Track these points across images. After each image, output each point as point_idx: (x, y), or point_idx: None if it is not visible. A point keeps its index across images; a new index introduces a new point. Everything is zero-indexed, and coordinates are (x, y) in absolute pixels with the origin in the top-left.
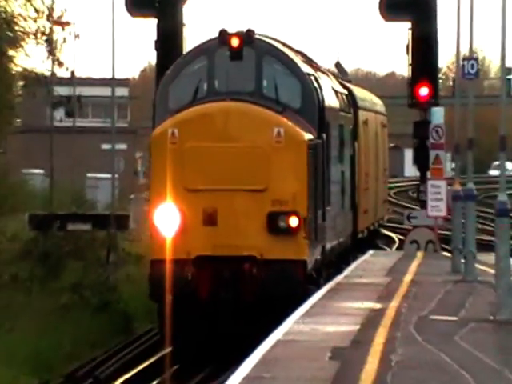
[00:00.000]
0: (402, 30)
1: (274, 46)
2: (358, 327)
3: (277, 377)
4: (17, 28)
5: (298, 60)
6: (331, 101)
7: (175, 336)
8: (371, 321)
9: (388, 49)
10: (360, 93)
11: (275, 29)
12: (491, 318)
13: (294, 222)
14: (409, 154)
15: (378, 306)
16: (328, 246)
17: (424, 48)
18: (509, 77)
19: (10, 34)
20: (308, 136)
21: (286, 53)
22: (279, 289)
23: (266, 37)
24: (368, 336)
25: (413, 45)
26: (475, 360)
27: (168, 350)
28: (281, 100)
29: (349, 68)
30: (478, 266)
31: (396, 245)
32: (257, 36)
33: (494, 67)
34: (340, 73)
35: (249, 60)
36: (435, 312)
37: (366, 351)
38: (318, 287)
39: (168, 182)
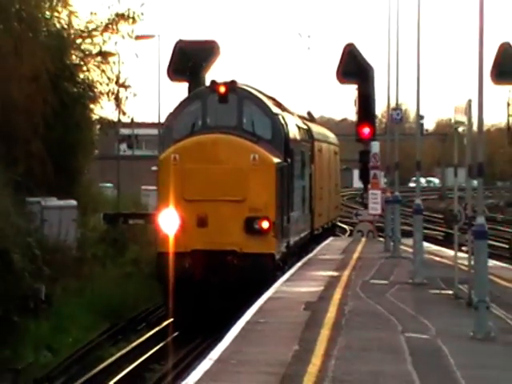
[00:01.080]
0: (351, 89)
1: (251, 93)
2: (322, 288)
3: (269, 321)
4: (95, 90)
5: (270, 103)
6: (294, 134)
7: (176, 310)
8: (331, 284)
9: (341, 101)
10: (316, 128)
11: (264, 81)
12: (410, 281)
13: (265, 224)
14: (356, 173)
15: (336, 273)
16: (291, 241)
17: (365, 102)
18: (421, 122)
19: (91, 94)
20: (276, 160)
21: (260, 98)
22: (254, 275)
23: (246, 86)
24: (329, 294)
25: (358, 100)
26: (399, 309)
27: (170, 320)
28: (256, 133)
29: (316, 114)
30: (401, 247)
31: (348, 233)
32: (239, 85)
33: (412, 114)
34: (310, 119)
35: (232, 103)
36: (373, 277)
37: (328, 304)
38: (283, 273)
39: (171, 193)
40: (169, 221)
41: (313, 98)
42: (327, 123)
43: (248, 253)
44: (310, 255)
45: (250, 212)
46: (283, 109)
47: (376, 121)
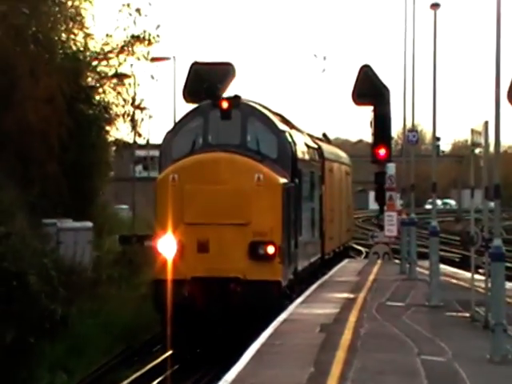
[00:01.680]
0: (367, 111)
1: (256, 109)
2: (338, 310)
3: (284, 343)
4: (111, 112)
5: (276, 120)
6: (303, 152)
7: (175, 341)
8: (347, 306)
9: (357, 123)
10: (327, 148)
11: (280, 102)
12: (426, 303)
13: (270, 250)
14: (372, 194)
15: (351, 295)
16: (300, 267)
17: (381, 123)
18: (438, 143)
19: (107, 115)
20: (283, 180)
21: (265, 114)
22: (258, 303)
23: (251, 101)
24: (344, 316)
25: (374, 121)
26: (415, 332)
27: (169, 352)
28: (261, 151)
29: (331, 136)
30: (417, 269)
31: (363, 255)
32: (242, 100)
33: (428, 135)
34: (326, 140)
35: (236, 119)
36: (389, 300)
37: (343, 326)
38: (291, 301)
39: (169, 216)
40: (167, 246)
41: (328, 120)
42: (343, 145)
43: (252, 280)
44: (326, 277)
45: (254, 236)
46: (291, 126)
47: (392, 142)
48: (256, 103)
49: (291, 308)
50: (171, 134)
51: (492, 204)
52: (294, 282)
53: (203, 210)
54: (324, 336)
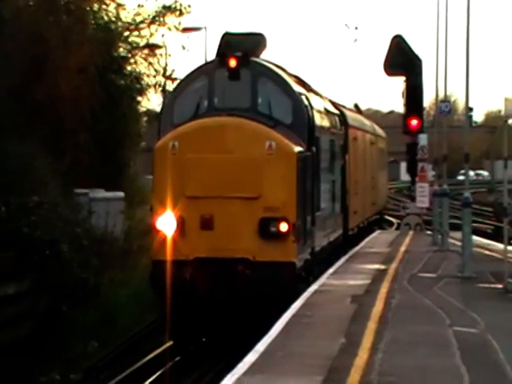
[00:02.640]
0: (399, 82)
1: (268, 68)
2: (369, 281)
3: (315, 315)
4: (142, 82)
5: (290, 80)
6: (321, 118)
7: (176, 330)
8: (378, 277)
9: (389, 93)
10: (351, 114)
11: (311, 73)
12: (458, 275)
13: (283, 227)
14: (403, 165)
15: (383, 267)
16: (317, 247)
17: (413, 94)
18: (470, 114)
19: (138, 86)
20: (298, 149)
21: (279, 74)
22: (270, 288)
23: (262, 60)
24: (376, 287)
25: (406, 91)
26: (448, 303)
27: (169, 343)
28: (274, 116)
29: (363, 107)
30: (450, 240)
31: (395, 226)
32: (253, 58)
33: (460, 105)
34: (357, 111)
35: (245, 80)
36: (421, 271)
37: (375, 297)
38: (308, 285)
39: (169, 189)
40: (166, 222)
41: (360, 91)
42: (374, 115)
43: (263, 261)
44: (357, 248)
45: (265, 212)
46: (308, 89)
47: (423, 113)
48: (268, 62)
49: (322, 279)
50: (172, 96)
51: None
52: (312, 263)
53: (207, 182)
54: (355, 307)
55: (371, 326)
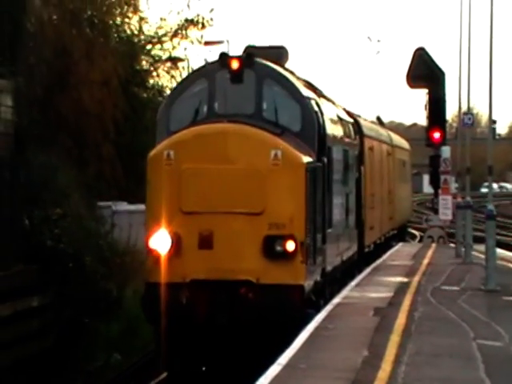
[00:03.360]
0: (422, 94)
1: (274, 69)
2: (392, 294)
3: (338, 327)
4: (165, 95)
5: (299, 84)
6: (334, 126)
7: (172, 360)
8: (401, 289)
9: (412, 106)
10: (366, 123)
11: (334, 86)
12: (482, 287)
13: (290, 246)
14: (426, 178)
15: (406, 279)
16: (329, 267)
17: (436, 106)
18: (494, 126)
19: (161, 99)
20: (307, 159)
21: (286, 76)
22: (276, 313)
23: (267, 61)
24: (399, 300)
25: (429, 104)
26: (471, 316)
27: (164, 375)
28: (280, 123)
29: (385, 119)
30: (473, 253)
31: (418, 239)
32: (257, 59)
33: (484, 118)
34: (380, 123)
35: (249, 83)
36: (444, 284)
37: (398, 310)
38: (318, 310)
39: (163, 204)
40: (160, 240)
41: (382, 103)
42: (397, 128)
43: (268, 284)
44: (379, 261)
45: (270, 229)
46: (319, 95)
47: (446, 125)
48: (274, 64)
49: (345, 291)
50: (169, 101)
51: None
52: (323, 285)
53: (206, 196)
54: (378, 319)
55: (394, 338)
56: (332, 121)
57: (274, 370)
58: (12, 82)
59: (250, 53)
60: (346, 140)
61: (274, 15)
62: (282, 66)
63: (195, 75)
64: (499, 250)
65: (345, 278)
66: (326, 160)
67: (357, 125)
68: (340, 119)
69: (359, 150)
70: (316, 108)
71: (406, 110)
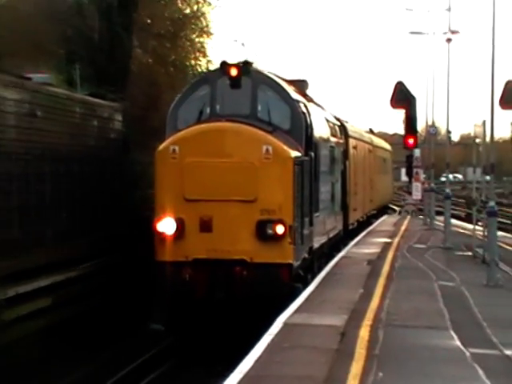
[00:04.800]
0: (400, 112)
1: (268, 77)
2: (379, 250)
3: (342, 273)
4: None
5: (289, 89)
6: (320, 126)
7: (175, 330)
8: (386, 247)
9: (393, 120)
10: (351, 126)
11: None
12: (441, 245)
13: (280, 229)
14: (403, 170)
15: (389, 240)
16: (316, 245)
17: (410, 121)
18: (450, 135)
19: None
20: (294, 153)
21: (278, 82)
22: (267, 289)
23: (263, 69)
24: (384, 254)
25: (405, 120)
26: (434, 265)
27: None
28: (272, 122)
29: (376, 130)
30: (436, 222)
31: (397, 212)
32: (253, 67)
33: (443, 129)
34: (371, 132)
35: (246, 88)
36: (416, 243)
37: (383, 261)
38: (306, 284)
39: (169, 192)
40: (166, 224)
41: (374, 118)
42: (383, 136)
43: (260, 263)
44: (371, 227)
45: (261, 214)
46: (309, 99)
47: (417, 134)
48: (268, 71)
49: (347, 248)
50: (176, 104)
51: (488, 177)
52: (311, 261)
53: (206, 186)
54: (370, 268)
55: (381, 281)
56: (319, 122)
57: (297, 302)
58: (121, 104)
59: (247, 62)
60: (333, 139)
61: (294, 46)
62: (277, 75)
63: (200, 81)
64: (453, 220)
65: (332, 251)
66: (312, 154)
67: (343, 127)
68: (327, 121)
69: (344, 147)
70: (304, 110)
71: (390, 123)
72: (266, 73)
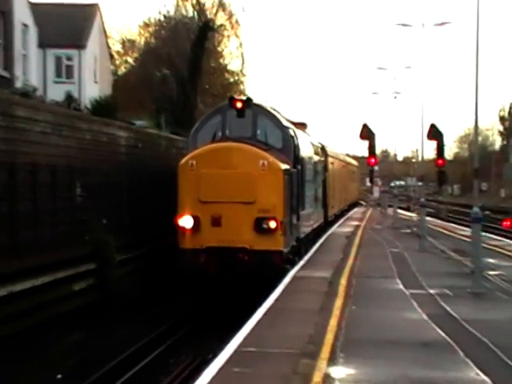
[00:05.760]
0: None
1: (265, 109)
2: (353, 229)
3: (328, 244)
4: None
5: (282, 118)
6: (305, 146)
7: (192, 301)
8: (357, 227)
9: (363, 147)
10: (330, 149)
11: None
12: (391, 225)
13: (273, 224)
14: (367, 179)
15: (358, 223)
16: (302, 235)
17: (372, 148)
18: (396, 156)
19: None
20: (284, 166)
21: (273, 113)
22: (263, 270)
23: (261, 103)
24: (356, 232)
25: (368, 146)
26: (387, 239)
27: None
28: (268, 142)
29: (350, 152)
30: (387, 211)
31: (364, 205)
32: (254, 102)
33: (391, 153)
34: (347, 155)
35: (248, 117)
36: (375, 224)
37: (355, 236)
38: (293, 265)
39: (188, 196)
40: (186, 220)
41: (350, 143)
42: (356, 157)
43: (258, 250)
44: (349, 214)
45: (259, 213)
46: (297, 127)
47: (377, 155)
48: (265, 105)
49: (333, 228)
50: (196, 128)
51: (419, 183)
52: (298, 247)
53: (216, 190)
54: (347, 241)
55: (354, 248)
56: (304, 143)
57: (302, 262)
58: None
59: (249, 98)
60: (316, 157)
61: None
62: (272, 108)
63: (214, 112)
64: (399, 210)
65: (315, 237)
66: (299, 167)
67: (324, 149)
68: (312, 144)
69: (325, 163)
70: (292, 134)
71: (360, 148)
72: (264, 106)
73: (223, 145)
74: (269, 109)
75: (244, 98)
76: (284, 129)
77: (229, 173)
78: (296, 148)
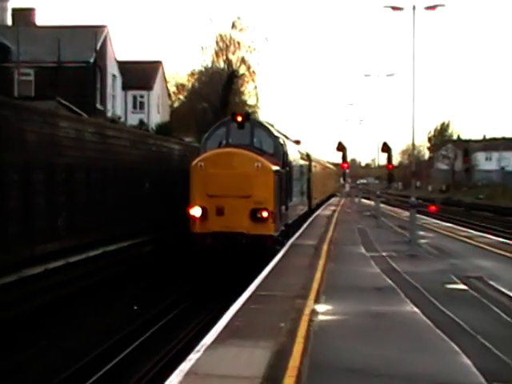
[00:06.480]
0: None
1: (260, 122)
2: (331, 212)
3: (316, 222)
4: None
5: (274, 130)
6: (293, 152)
7: (200, 276)
8: (334, 211)
9: (339, 156)
10: (314, 156)
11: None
12: (359, 210)
13: (265, 214)
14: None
15: (335, 208)
16: (290, 221)
17: (344, 156)
18: (361, 163)
19: None
20: (275, 167)
21: (267, 126)
22: (258, 250)
23: (258, 118)
24: (333, 214)
25: (342, 156)
26: (355, 219)
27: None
28: (262, 149)
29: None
30: (356, 200)
31: (339, 196)
32: (252, 117)
33: (358, 160)
34: (328, 162)
35: (247, 129)
36: (347, 209)
37: (333, 217)
38: (283, 245)
39: (198, 191)
40: (196, 210)
41: (331, 154)
42: (334, 164)
43: (253, 234)
44: (329, 201)
45: (254, 205)
46: (287, 138)
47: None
48: (261, 120)
49: (319, 211)
50: (206, 137)
51: (377, 181)
52: (287, 231)
53: (220, 187)
54: (327, 220)
55: (332, 226)
56: (291, 150)
57: (297, 235)
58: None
59: (248, 113)
60: (301, 161)
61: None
62: (268, 123)
63: (220, 124)
64: (363, 200)
65: (301, 222)
66: (288, 169)
67: (308, 156)
68: (299, 152)
69: (309, 166)
70: (282, 142)
71: (337, 157)
72: (260, 120)
73: (226, 150)
74: (264, 122)
75: (244, 113)
76: (275, 138)
77: (230, 172)
78: (285, 154)
